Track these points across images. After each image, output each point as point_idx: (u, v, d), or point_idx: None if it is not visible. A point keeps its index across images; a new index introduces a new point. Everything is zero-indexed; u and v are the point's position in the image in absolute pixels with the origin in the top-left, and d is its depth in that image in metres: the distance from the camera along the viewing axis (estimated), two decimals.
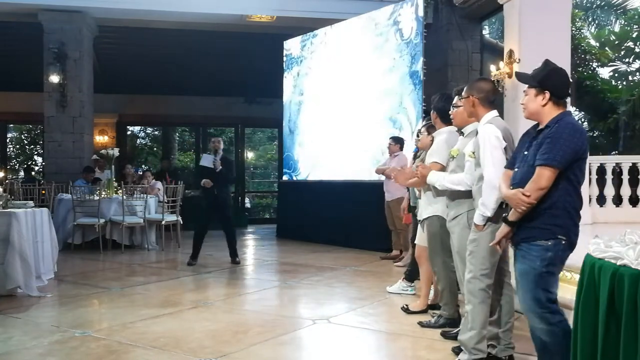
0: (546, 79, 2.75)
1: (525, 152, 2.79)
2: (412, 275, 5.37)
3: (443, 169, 3.94)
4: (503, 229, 2.82)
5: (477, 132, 3.32)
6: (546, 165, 2.61)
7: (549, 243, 2.66)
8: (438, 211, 4.06)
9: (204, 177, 7.12)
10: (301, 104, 10.45)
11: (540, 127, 2.78)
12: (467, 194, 3.43)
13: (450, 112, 3.78)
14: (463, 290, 3.49)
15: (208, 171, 7.09)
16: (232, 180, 7.75)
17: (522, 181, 2.71)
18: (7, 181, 10.03)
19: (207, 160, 7.16)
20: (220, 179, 7.12)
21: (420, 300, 4.79)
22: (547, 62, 2.81)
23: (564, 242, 2.68)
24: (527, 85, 2.84)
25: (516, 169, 2.83)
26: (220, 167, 7.09)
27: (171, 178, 10.78)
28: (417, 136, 4.98)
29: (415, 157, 5.24)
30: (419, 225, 4.66)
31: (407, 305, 4.76)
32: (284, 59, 10.87)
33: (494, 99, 3.40)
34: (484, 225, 3.15)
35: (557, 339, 2.63)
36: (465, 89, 3.45)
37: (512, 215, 2.76)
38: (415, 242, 4.81)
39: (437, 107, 4.23)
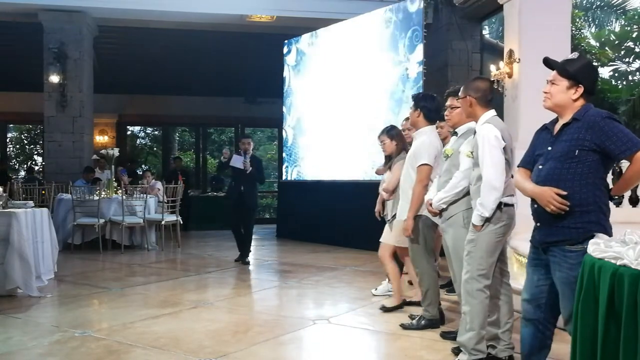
0: (581, 73, 2.58)
1: (550, 148, 2.59)
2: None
3: (431, 169, 4.02)
4: None
5: (474, 132, 3.31)
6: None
7: (585, 246, 2.43)
8: (423, 210, 4.02)
9: (234, 177, 7.36)
10: (301, 104, 10.45)
11: (564, 121, 2.59)
12: (463, 193, 3.42)
13: (446, 113, 3.75)
14: (458, 291, 3.48)
15: (238, 171, 7.26)
16: (261, 180, 7.83)
17: (548, 178, 2.55)
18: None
19: (237, 161, 7.25)
20: (249, 179, 7.28)
21: (394, 296, 4.80)
22: (582, 55, 2.68)
23: None
24: (552, 72, 2.63)
25: (540, 166, 2.62)
26: (250, 168, 7.19)
27: (184, 178, 10.49)
28: (381, 142, 4.81)
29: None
30: (387, 224, 4.72)
31: (384, 305, 4.76)
32: (285, 59, 10.87)
33: (492, 98, 3.37)
34: (482, 225, 3.14)
35: None
36: (461, 89, 3.42)
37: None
38: (381, 240, 4.79)
39: (424, 106, 4.20)
